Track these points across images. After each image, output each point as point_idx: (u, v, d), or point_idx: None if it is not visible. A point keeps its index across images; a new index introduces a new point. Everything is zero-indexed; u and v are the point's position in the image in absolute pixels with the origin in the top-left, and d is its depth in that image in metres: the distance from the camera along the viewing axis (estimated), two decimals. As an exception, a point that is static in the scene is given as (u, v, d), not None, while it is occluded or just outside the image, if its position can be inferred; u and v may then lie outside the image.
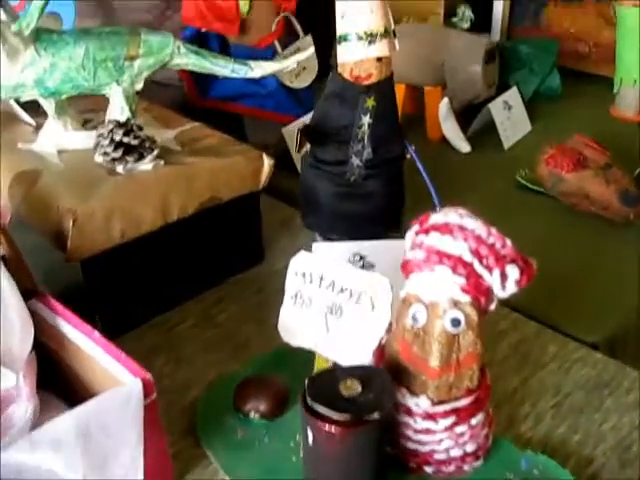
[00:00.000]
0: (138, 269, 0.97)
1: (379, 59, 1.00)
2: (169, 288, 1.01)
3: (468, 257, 0.68)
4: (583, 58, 1.69)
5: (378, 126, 1.02)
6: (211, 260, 1.05)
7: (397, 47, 1.03)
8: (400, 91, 1.40)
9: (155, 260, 0.98)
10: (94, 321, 0.96)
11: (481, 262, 0.68)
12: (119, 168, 0.97)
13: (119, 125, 0.98)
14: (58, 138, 1.05)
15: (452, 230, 0.70)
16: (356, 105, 1.01)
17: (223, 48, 1.32)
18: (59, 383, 0.80)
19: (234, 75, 1.08)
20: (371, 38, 1.00)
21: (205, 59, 1.06)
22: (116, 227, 0.91)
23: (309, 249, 1.03)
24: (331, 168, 1.04)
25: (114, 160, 0.97)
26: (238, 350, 0.96)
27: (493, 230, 0.70)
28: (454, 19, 1.63)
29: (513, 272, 0.69)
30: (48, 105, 1.03)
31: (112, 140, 0.97)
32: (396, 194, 1.08)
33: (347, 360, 0.78)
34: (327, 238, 1.09)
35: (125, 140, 0.97)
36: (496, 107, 1.38)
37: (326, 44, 1.45)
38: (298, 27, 1.32)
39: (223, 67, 1.07)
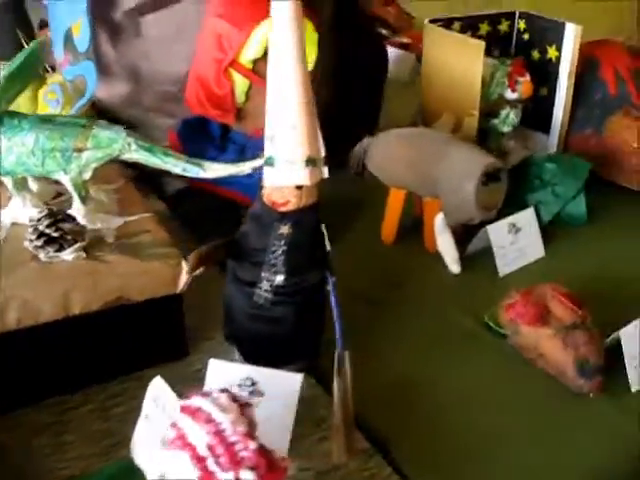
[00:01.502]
0: (37, 352, 1.02)
1: (299, 187, 0.98)
2: (72, 372, 1.05)
3: (203, 451, 0.66)
4: (642, 177, 1.51)
5: (294, 254, 1.00)
6: (121, 352, 1.07)
7: (325, 175, 1.00)
8: (400, 197, 1.34)
9: (56, 345, 1.03)
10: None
11: (215, 460, 0.66)
12: (41, 255, 1.04)
13: (49, 215, 1.04)
14: (16, 212, 1.13)
15: (200, 418, 0.68)
16: (270, 230, 0.99)
17: (224, 131, 1.34)
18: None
19: (185, 174, 1.10)
20: (292, 166, 0.97)
21: (155, 156, 1.09)
22: (12, 315, 0.97)
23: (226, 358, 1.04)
24: (245, 288, 1.02)
25: (36, 247, 1.03)
26: (111, 449, 0.98)
27: (240, 428, 0.67)
28: (495, 121, 1.52)
29: (248, 478, 0.65)
30: (7, 181, 1.11)
31: (36, 229, 1.03)
32: (310, 323, 1.04)
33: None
34: (241, 353, 1.08)
35: (47, 231, 1.03)
36: (497, 230, 1.27)
37: (344, 136, 1.43)
38: (297, 121, 1.30)
39: (174, 165, 1.09)
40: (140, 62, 1.42)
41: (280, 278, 1.00)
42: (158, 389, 0.90)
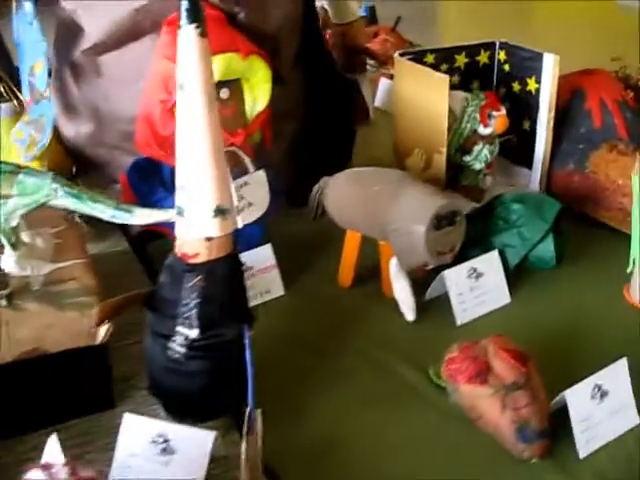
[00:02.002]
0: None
1: (209, 238, 0.94)
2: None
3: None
4: (626, 215, 1.36)
5: (207, 307, 0.95)
6: (43, 403, 1.04)
7: (238, 225, 0.96)
8: (355, 239, 1.28)
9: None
10: None
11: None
12: (-36, 304, 1.03)
13: (-26, 264, 1.03)
14: (-49, 261, 1.12)
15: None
16: (182, 282, 0.95)
17: (174, 172, 1.30)
18: None
19: (114, 220, 1.07)
20: (200, 216, 0.93)
21: (83, 203, 1.06)
22: None
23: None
24: (161, 340, 0.99)
25: (-40, 296, 1.02)
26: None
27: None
28: (467, 157, 1.45)
29: None
30: (-52, 227, 1.11)
31: (-44, 278, 1.02)
32: (229, 378, 0.99)
33: None
34: (162, 406, 1.05)
35: (-33, 281, 1.02)
36: (454, 275, 1.20)
37: (310, 174, 1.39)
38: (247, 161, 1.26)
39: (102, 212, 1.06)
40: (101, 101, 1.41)
41: (195, 332, 0.96)
42: (52, 447, 0.88)
